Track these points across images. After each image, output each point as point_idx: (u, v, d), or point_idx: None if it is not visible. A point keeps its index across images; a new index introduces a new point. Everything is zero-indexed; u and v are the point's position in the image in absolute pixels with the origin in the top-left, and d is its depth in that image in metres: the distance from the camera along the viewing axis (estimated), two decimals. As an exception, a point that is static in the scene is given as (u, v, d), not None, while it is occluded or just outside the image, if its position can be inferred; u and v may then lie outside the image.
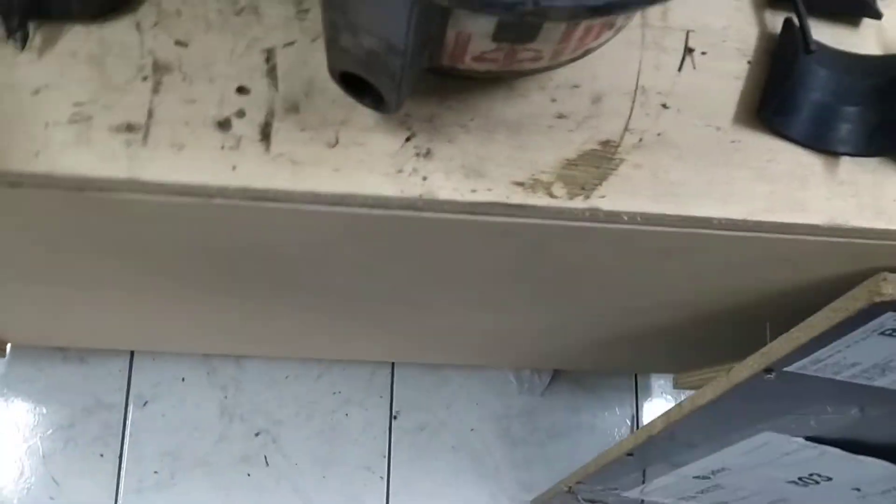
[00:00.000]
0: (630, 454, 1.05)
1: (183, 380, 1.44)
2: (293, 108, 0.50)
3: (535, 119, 0.51)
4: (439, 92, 0.51)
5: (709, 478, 1.10)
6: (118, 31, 0.50)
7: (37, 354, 1.41)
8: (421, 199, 0.50)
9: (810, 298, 0.69)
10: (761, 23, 0.55)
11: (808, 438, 0.92)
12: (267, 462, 1.41)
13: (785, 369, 0.75)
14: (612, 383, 1.50)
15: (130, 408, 1.43)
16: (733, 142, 0.53)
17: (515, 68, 0.46)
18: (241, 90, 0.50)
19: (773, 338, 0.78)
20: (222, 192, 0.49)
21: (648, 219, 0.51)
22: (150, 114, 0.49)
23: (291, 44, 0.51)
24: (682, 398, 1.48)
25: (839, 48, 0.54)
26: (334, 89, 0.48)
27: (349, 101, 0.48)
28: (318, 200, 0.50)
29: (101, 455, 1.41)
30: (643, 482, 1.18)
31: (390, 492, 1.42)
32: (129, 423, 1.42)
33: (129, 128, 0.49)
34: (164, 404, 1.42)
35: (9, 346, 1.38)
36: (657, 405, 1.52)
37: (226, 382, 1.44)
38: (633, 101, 0.52)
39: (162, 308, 0.95)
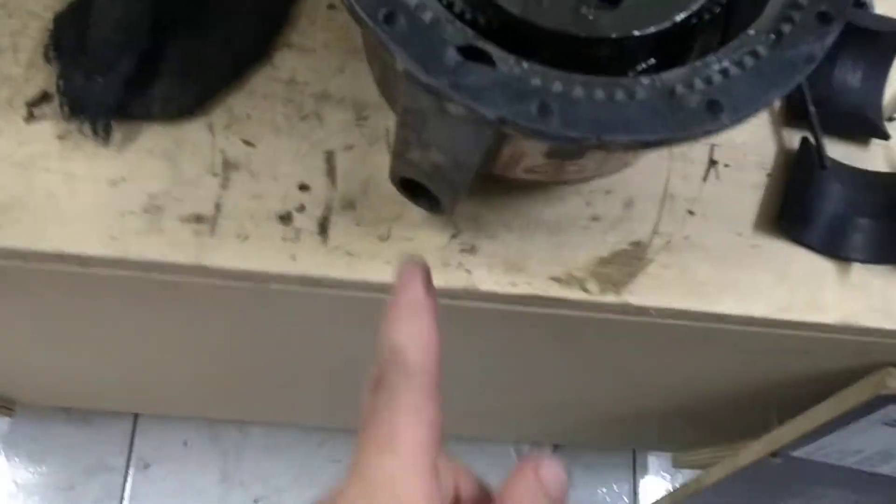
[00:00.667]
0: (633, 532, 1.07)
1: (185, 443, 1.45)
2: (350, 205, 0.54)
3: (571, 220, 0.56)
4: (483, 194, 0.55)
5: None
6: (192, 131, 0.54)
7: (42, 414, 1.42)
8: (464, 291, 0.54)
9: (817, 387, 0.73)
10: (779, 140, 0.60)
11: (811, 524, 0.94)
12: (266, 529, 1.41)
13: (791, 454, 0.78)
14: (610, 461, 1.52)
15: (131, 470, 1.44)
16: (753, 246, 0.57)
17: (561, 179, 0.50)
18: (303, 187, 0.54)
19: (779, 423, 0.81)
20: (281, 279, 0.53)
21: (675, 314, 0.55)
22: (218, 207, 0.53)
23: (351, 147, 0.55)
24: (681, 477, 1.51)
25: (851, 164, 0.58)
26: (389, 188, 0.51)
27: (401, 199, 0.52)
28: (370, 289, 0.53)
29: (100, 518, 1.41)
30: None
31: (388, 562, 1.42)
32: (128, 486, 1.43)
33: (198, 219, 0.52)
34: (165, 468, 1.43)
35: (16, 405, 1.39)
36: (655, 483, 1.54)
37: (228, 447, 1.45)
38: (662, 207, 0.57)
39: (172, 372, 0.98)
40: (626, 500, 1.54)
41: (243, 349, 0.77)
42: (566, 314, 0.56)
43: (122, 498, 1.42)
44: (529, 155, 0.47)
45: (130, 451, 1.44)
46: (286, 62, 0.57)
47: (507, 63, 0.39)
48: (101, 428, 1.43)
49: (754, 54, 0.41)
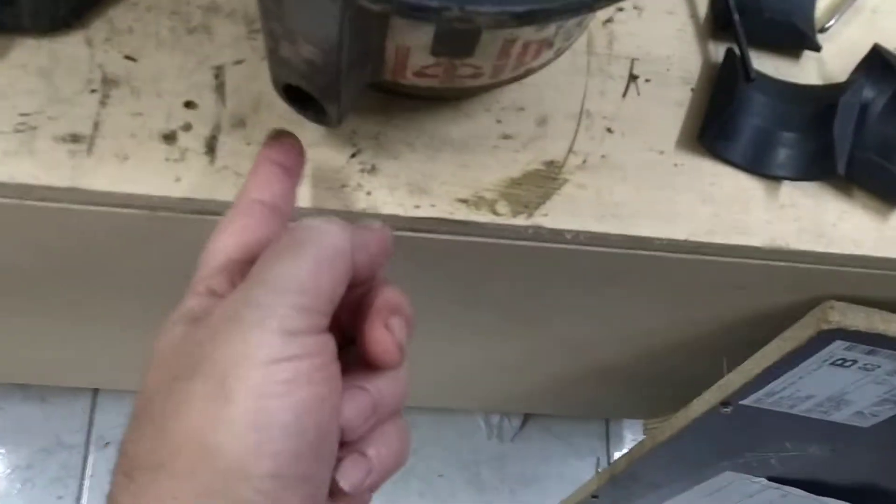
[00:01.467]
0: (595, 496, 1.04)
1: (146, 421, 1.41)
2: (240, 123, 0.51)
3: (480, 139, 0.52)
4: (386, 110, 0.52)
5: (674, 520, 1.08)
6: (69, 45, 0.50)
7: (-3, 392, 1.39)
8: (364, 213, 0.50)
9: (764, 331, 0.69)
10: (704, 52, 0.56)
11: (770, 478, 0.91)
12: None
13: (741, 402, 0.75)
14: (583, 430, 1.49)
15: (91, 448, 1.40)
16: (676, 165, 0.53)
17: (457, 84, 0.46)
18: (189, 105, 0.50)
19: (730, 372, 0.78)
20: (164, 203, 0.49)
21: (591, 238, 0.52)
22: (97, 126, 0.49)
23: (241, 62, 0.52)
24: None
25: (779, 78, 0.55)
26: (281, 105, 0.48)
27: (296, 116, 0.48)
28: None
29: (60, 497, 1.38)
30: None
31: (355, 538, 1.38)
32: (89, 464, 1.40)
33: (75, 138, 0.49)
34: (125, 446, 1.39)
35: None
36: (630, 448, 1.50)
37: (191, 424, 1.41)
38: (578, 125, 0.53)
39: (125, 337, 0.94)
40: (599, 471, 1.50)
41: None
42: (475, 241, 0.52)
43: (82, 476, 1.38)
44: (414, 53, 0.43)
45: (90, 429, 1.41)
46: (174, -25, 0.53)
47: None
48: (58, 406, 1.40)
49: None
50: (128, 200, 0.49)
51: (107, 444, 1.40)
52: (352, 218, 0.50)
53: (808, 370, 0.68)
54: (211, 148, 0.50)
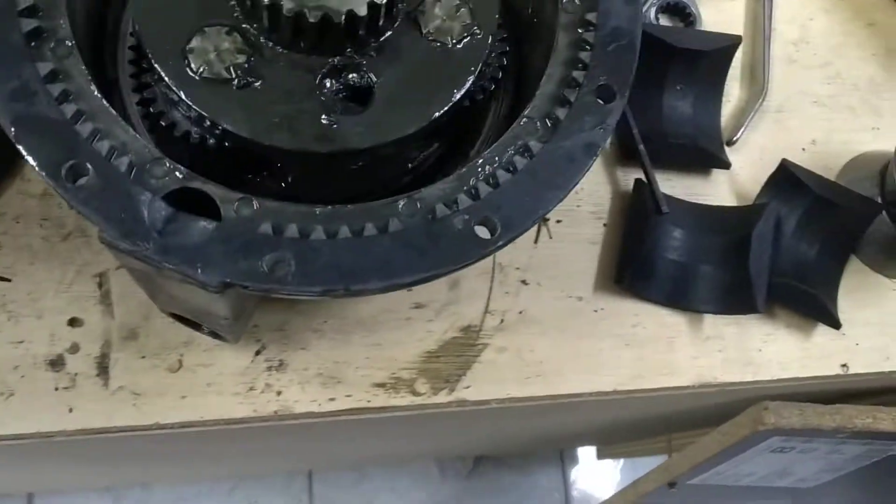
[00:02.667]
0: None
1: (90, 512, 1.36)
2: (131, 335, 0.47)
3: (391, 313, 0.50)
4: (286, 300, 0.49)
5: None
6: (-71, 275, 0.46)
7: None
8: (277, 415, 0.47)
9: (705, 411, 0.69)
10: (614, 182, 0.54)
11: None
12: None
13: (688, 482, 0.75)
14: (537, 457, 1.49)
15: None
16: (596, 311, 0.52)
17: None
18: (74, 322, 0.47)
19: (673, 441, 0.78)
20: (62, 436, 0.46)
21: (517, 401, 0.50)
22: (-27, 362, 0.45)
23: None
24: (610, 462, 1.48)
25: (692, 201, 0.53)
26: (174, 310, 0.45)
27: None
28: (165, 428, 0.47)
29: None
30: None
31: None
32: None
33: (-50, 381, 0.45)
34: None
35: None
36: (585, 472, 1.51)
37: (134, 509, 1.37)
38: (492, 281, 0.51)
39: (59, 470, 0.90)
40: (556, 495, 1.51)
41: (90, 465, 0.70)
42: (400, 416, 0.50)
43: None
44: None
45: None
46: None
47: (231, 206, 0.33)
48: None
49: (526, 151, 0.35)
50: (18, 440, 0.46)
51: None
52: (264, 419, 0.47)
53: (749, 457, 0.67)
54: (103, 368, 0.46)
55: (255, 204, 0.33)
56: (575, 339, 0.51)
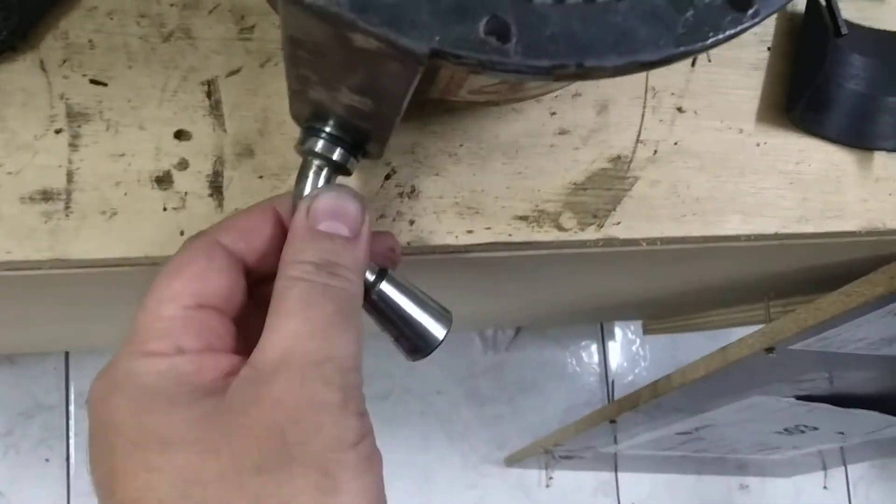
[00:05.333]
0: (613, 421, 1.01)
1: (127, 371, 1.34)
2: (247, 152, 0.41)
3: (533, 138, 0.44)
4: (419, 116, 0.43)
5: (691, 433, 1.07)
6: (18, 74, 0.40)
7: (-38, 360, 1.30)
8: (409, 247, 0.42)
9: (817, 274, 0.64)
10: None
11: (798, 398, 0.89)
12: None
13: (788, 348, 0.71)
14: (577, 330, 1.47)
15: (72, 406, 1.34)
16: (759, 145, 0.46)
17: (520, 96, 0.38)
18: (181, 135, 0.41)
19: (771, 309, 0.73)
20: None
21: (670, 241, 0.45)
22: (70, 176, 0.40)
23: (236, 71, 0.42)
24: (649, 340, 1.46)
25: (871, 26, 0.47)
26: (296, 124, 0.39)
27: (313, 136, 0.39)
28: (288, 258, 0.41)
29: (47, 460, 1.32)
30: (621, 441, 1.16)
31: (359, 464, 1.36)
32: (72, 422, 1.33)
33: (46, 196, 0.39)
34: (109, 399, 1.33)
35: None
36: (624, 348, 1.49)
37: (174, 368, 1.35)
38: (644, 107, 0.45)
39: (99, 317, 0.86)
40: (596, 369, 1.49)
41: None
42: (539, 254, 0.45)
43: (67, 436, 1.32)
44: (474, 77, 0.34)
45: (67, 387, 1.33)
46: (134, -37, 0.42)
47: (434, -41, 0.26)
48: (29, 367, 1.32)
49: None
50: (121, 262, 0.40)
51: (87, 400, 1.33)
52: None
53: (869, 320, 0.63)
54: (216, 188, 0.41)
55: (462, -41, 0.26)
56: (736, 174, 0.45)
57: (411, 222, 0.42)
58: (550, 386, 1.45)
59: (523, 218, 0.43)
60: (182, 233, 0.40)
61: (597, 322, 1.46)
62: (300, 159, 0.41)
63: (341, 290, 0.31)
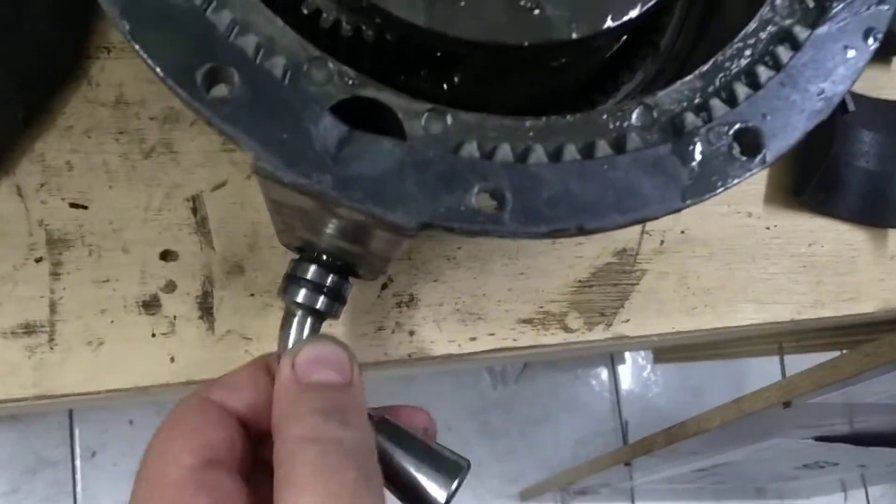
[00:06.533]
0: (627, 464, 0.99)
1: (131, 422, 1.32)
2: (236, 269, 0.40)
3: (534, 236, 0.42)
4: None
5: (708, 469, 1.05)
6: (-8, 203, 0.38)
7: (-35, 421, 1.28)
8: (410, 359, 0.40)
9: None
10: (783, 74, 0.46)
11: (817, 439, 0.87)
12: None
13: (807, 402, 0.69)
14: (587, 360, 1.45)
15: (78, 461, 1.32)
16: (768, 228, 0.44)
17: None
18: (167, 255, 0.39)
19: (783, 351, 0.72)
20: (161, 390, 0.39)
21: (682, 335, 0.43)
22: (53, 306, 0.38)
23: (222, 185, 0.40)
24: (661, 371, 1.44)
25: (876, 96, 0.45)
26: (285, 238, 0.37)
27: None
28: (284, 375, 0.40)
29: (54, 516, 1.30)
30: (637, 478, 1.14)
31: (371, 505, 1.34)
32: (78, 477, 1.32)
33: (29, 329, 0.38)
34: (114, 452, 1.31)
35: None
36: (635, 373, 1.47)
37: (180, 417, 1.33)
38: (648, 195, 0.43)
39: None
40: (607, 396, 1.47)
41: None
42: (546, 352, 0.43)
43: (74, 492, 1.31)
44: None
45: (72, 441, 1.32)
46: (107, 74, 0.40)
47: (418, 121, 0.24)
48: (32, 422, 1.30)
49: (789, 39, 0.27)
50: (110, 396, 0.39)
51: (93, 453, 1.32)
52: (397, 364, 0.40)
53: (891, 378, 0.61)
54: (206, 309, 0.39)
55: (449, 118, 0.25)
56: (747, 261, 0.44)
57: (411, 333, 0.40)
58: (562, 416, 1.43)
59: (528, 321, 0.41)
60: (172, 359, 0.38)
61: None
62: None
63: (357, 444, 0.27)
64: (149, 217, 0.39)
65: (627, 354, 1.46)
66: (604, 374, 1.46)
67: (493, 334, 0.41)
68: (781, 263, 0.44)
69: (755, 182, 0.44)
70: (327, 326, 0.33)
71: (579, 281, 0.42)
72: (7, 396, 0.37)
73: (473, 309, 0.41)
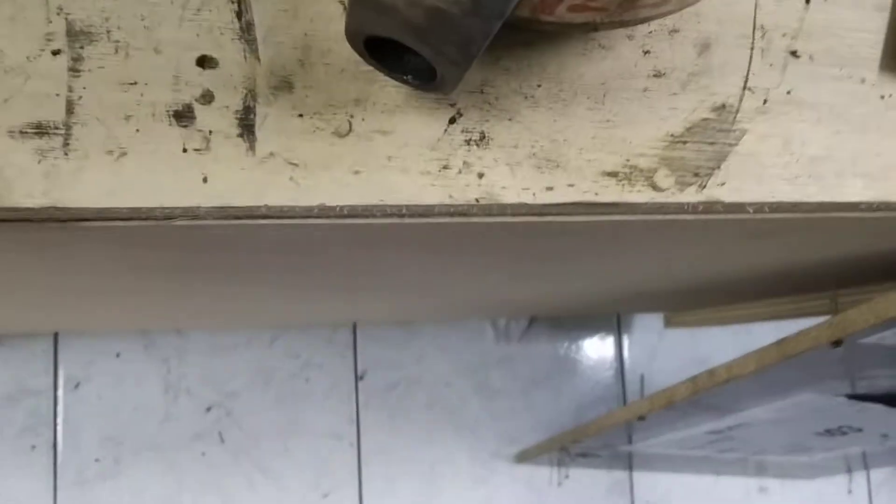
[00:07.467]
0: (642, 418, 0.95)
1: (118, 355, 1.26)
2: (284, 85, 0.34)
3: (624, 80, 0.37)
4: (490, 48, 0.36)
5: (722, 431, 1.01)
6: (6, -20, 0.32)
7: (-57, 342, 1.22)
8: (477, 206, 0.35)
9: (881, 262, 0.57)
10: (908, -72, 0.41)
11: (850, 396, 0.82)
12: (222, 438, 1.27)
13: (859, 341, 0.64)
14: (593, 323, 1.40)
15: (60, 392, 1.26)
16: (883, 97, 0.39)
17: (628, 18, 0.31)
18: (205, 62, 0.34)
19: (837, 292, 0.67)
20: (189, 213, 0.33)
21: (781, 208, 0.38)
22: (70, 107, 0.32)
23: (273, -13, 0.34)
24: (668, 333, 1.39)
25: None
26: (343, 53, 0.32)
27: (365, 68, 0.33)
28: (330, 215, 0.34)
29: (33, 447, 1.25)
30: (645, 439, 1.09)
31: (362, 459, 1.30)
32: (60, 408, 1.26)
33: (40, 130, 0.32)
34: (98, 384, 1.25)
35: None
36: (642, 343, 1.42)
37: (167, 355, 1.28)
38: (752, 48, 0.38)
39: (91, 293, 0.79)
40: (612, 364, 1.43)
41: (152, 272, 0.59)
42: (625, 220, 0.38)
43: (55, 423, 1.25)
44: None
45: (56, 371, 1.26)
46: None
47: None
48: (16, 349, 1.24)
49: None
50: (132, 214, 0.33)
51: (77, 384, 1.26)
52: (461, 211, 0.35)
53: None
54: (247, 127, 0.34)
55: None
56: (856, 132, 0.39)
57: (480, 175, 0.35)
58: (564, 380, 1.38)
59: (612, 174, 0.36)
60: (205, 179, 0.33)
61: (614, 313, 1.39)
62: (348, 95, 0.34)
63: None
64: (186, 16, 0.34)
65: (635, 321, 1.41)
66: (609, 339, 1.41)
67: (572, 185, 0.36)
68: (894, 137, 0.39)
69: (870, 44, 0.39)
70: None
71: (672, 135, 0.37)
72: (11, 205, 0.32)
73: (552, 155, 0.36)
